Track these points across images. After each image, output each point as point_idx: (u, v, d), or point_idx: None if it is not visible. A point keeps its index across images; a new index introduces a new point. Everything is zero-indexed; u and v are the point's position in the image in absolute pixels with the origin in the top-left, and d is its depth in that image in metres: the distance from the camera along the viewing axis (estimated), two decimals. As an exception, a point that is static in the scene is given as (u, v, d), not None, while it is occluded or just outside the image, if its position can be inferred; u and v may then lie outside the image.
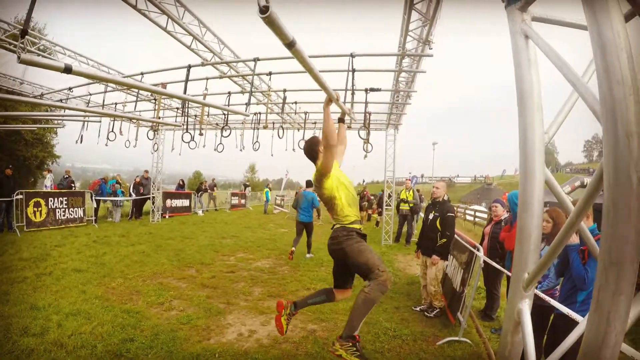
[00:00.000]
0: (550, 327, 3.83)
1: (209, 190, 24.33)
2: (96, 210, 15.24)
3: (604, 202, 1.02)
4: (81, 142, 11.26)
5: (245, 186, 32.02)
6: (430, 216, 6.15)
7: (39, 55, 8.96)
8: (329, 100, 3.69)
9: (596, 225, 3.48)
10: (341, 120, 4.24)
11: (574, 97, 1.55)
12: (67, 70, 2.92)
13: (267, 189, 25.93)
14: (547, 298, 3.51)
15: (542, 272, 1.49)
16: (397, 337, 5.04)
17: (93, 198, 14.93)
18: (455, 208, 5.88)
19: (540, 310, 3.77)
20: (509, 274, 4.54)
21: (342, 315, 5.76)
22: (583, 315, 3.02)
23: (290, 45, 2.16)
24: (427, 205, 6.53)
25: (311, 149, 3.76)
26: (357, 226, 3.50)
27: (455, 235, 6.53)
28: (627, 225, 1.02)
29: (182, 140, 9.42)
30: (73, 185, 15.51)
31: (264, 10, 1.66)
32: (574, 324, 2.93)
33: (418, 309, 6.23)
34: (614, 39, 1.00)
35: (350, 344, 3.01)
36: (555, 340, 3.62)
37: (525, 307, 1.59)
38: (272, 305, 6.05)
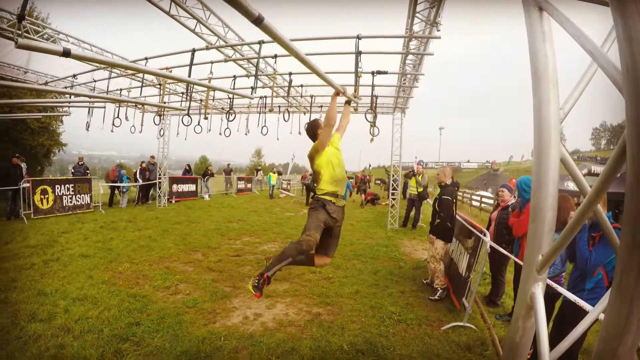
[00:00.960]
0: (557, 315, 3.79)
1: (225, 175, 25.35)
2: (112, 197, 16.14)
3: (627, 180, 0.96)
4: (87, 129, 11.25)
5: (257, 170, 33.12)
6: (436, 198, 6.68)
7: (43, 42, 8.90)
8: (337, 92, 4.36)
9: (610, 214, 3.40)
10: (347, 102, 4.83)
11: (592, 69, 1.47)
12: (66, 53, 2.86)
13: (272, 173, 25.34)
14: (554, 285, 3.46)
15: (557, 254, 1.43)
16: (401, 322, 5.04)
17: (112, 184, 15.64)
18: (456, 191, 6.17)
19: (545, 297, 3.73)
20: (516, 259, 4.52)
21: (347, 299, 5.77)
22: (591, 304, 2.97)
23: (257, 21, 2.07)
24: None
25: (313, 130, 4.35)
26: (328, 197, 4.08)
27: (462, 220, 6.54)
28: (653, 203, 0.96)
29: (183, 123, 9.37)
30: (88, 171, 15.81)
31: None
32: (582, 312, 2.88)
33: (425, 282, 6.78)
34: (637, 6, 0.93)
35: (257, 278, 3.73)
36: (562, 328, 3.58)
37: (539, 291, 1.53)
38: (278, 289, 6.08)
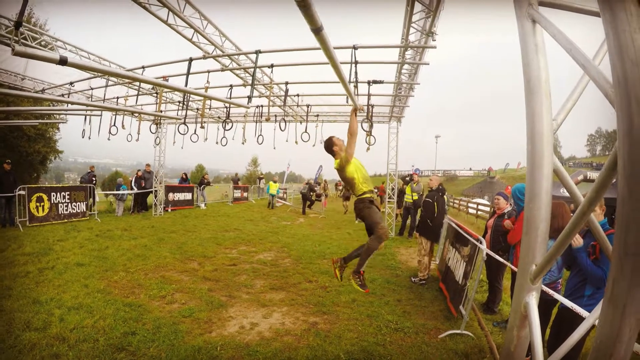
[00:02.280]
0: (554, 322, 3.80)
1: (232, 184, 25.61)
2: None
3: (619, 190, 0.98)
4: (87, 137, 11.26)
5: (260, 179, 34.65)
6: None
7: (40, 50, 8.91)
8: (355, 109, 4.83)
9: (607, 220, 3.42)
10: (354, 111, 5.17)
11: (584, 82, 1.50)
12: (62, 62, 2.88)
13: (272, 183, 23.98)
14: (550, 292, 3.47)
15: (550, 264, 1.44)
16: (399, 330, 5.02)
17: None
18: (441, 196, 7.09)
19: (542, 304, 3.74)
20: (512, 267, 4.54)
21: (343, 308, 5.75)
22: (590, 310, 2.97)
23: (317, 30, 2.12)
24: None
25: (330, 147, 4.91)
26: (367, 195, 4.68)
27: (458, 228, 6.58)
28: (644, 213, 0.97)
29: (178, 131, 9.39)
30: (95, 180, 15.89)
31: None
32: (579, 318, 2.89)
33: (413, 280, 7.50)
34: (628, 19, 0.95)
35: (357, 277, 4.60)
36: (559, 334, 3.59)
37: (533, 301, 1.54)
38: (274, 298, 6.06)
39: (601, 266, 3.31)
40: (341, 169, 4.72)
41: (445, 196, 8.11)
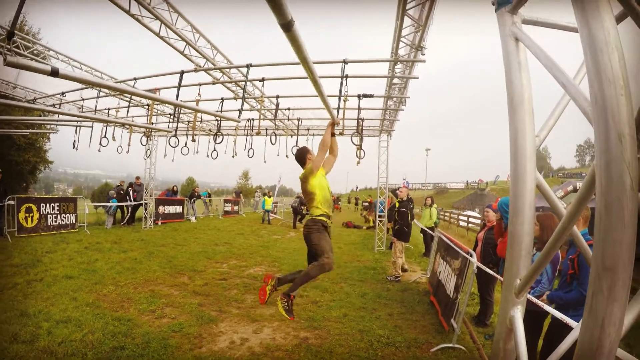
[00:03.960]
0: (546, 333, 3.81)
1: (234, 197, 26.14)
2: (122, 215, 16.93)
3: (597, 206, 1.00)
4: (76, 148, 11.20)
5: (256, 192, 34.19)
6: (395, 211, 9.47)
7: (32, 59, 8.90)
8: (332, 123, 4.78)
9: (587, 230, 3.47)
10: (333, 134, 5.01)
11: (565, 99, 1.54)
12: (54, 73, 2.89)
13: (266, 197, 23.11)
14: (540, 303, 3.49)
15: (534, 278, 1.47)
16: (390, 345, 5.00)
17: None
18: (411, 206, 8.49)
19: (534, 316, 3.76)
20: (502, 280, 4.56)
21: (334, 322, 5.72)
22: (578, 321, 2.99)
23: (286, 26, 2.03)
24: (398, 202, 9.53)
25: (302, 156, 4.79)
26: (323, 219, 4.46)
27: (448, 242, 6.62)
28: (621, 229, 1.00)
29: (169, 144, 9.36)
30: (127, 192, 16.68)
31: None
32: (570, 329, 2.91)
33: (388, 278, 8.69)
34: (605, 38, 0.99)
35: (286, 300, 4.29)
36: (552, 345, 3.60)
37: (518, 314, 1.56)
38: (265, 313, 6.01)
39: (577, 284, 3.33)
40: (304, 180, 4.53)
41: (412, 204, 9.47)
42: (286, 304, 4.27)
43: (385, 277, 8.80)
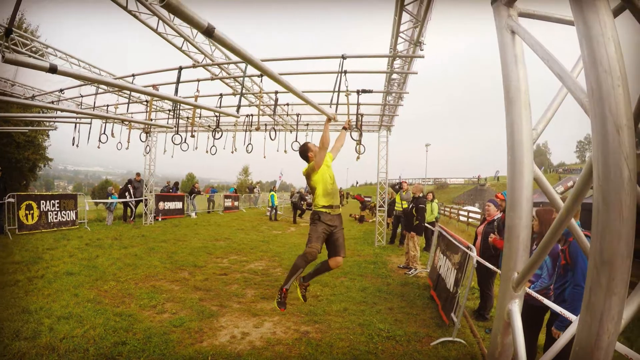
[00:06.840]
0: (548, 326, 3.82)
1: (248, 192, 26.97)
2: (125, 212, 17.34)
3: (594, 199, 1.00)
4: (76, 145, 11.19)
5: (253, 188, 34.38)
6: (410, 206, 9.93)
7: (30, 56, 8.87)
8: (329, 119, 5.05)
9: (580, 223, 3.47)
10: (345, 128, 5.41)
11: (563, 92, 1.53)
12: (52, 70, 2.89)
13: (274, 193, 22.41)
14: (539, 297, 3.50)
15: (532, 272, 1.46)
16: (390, 338, 5.01)
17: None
18: (427, 201, 9.10)
19: (534, 310, 3.77)
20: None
21: (335, 317, 5.74)
22: (577, 314, 3.00)
23: (207, 32, 2.10)
24: (412, 198, 10.11)
25: (304, 153, 5.00)
26: (324, 210, 4.64)
27: (448, 236, 6.63)
28: (618, 222, 0.99)
29: (172, 142, 9.36)
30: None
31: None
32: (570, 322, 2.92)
33: (400, 266, 9.47)
34: (602, 29, 0.98)
35: (279, 295, 4.61)
36: (554, 339, 3.60)
37: (515, 308, 1.56)
38: (265, 307, 6.03)
39: (572, 274, 3.37)
40: (307, 176, 4.79)
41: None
42: (279, 296, 4.58)
43: (398, 266, 9.57)
